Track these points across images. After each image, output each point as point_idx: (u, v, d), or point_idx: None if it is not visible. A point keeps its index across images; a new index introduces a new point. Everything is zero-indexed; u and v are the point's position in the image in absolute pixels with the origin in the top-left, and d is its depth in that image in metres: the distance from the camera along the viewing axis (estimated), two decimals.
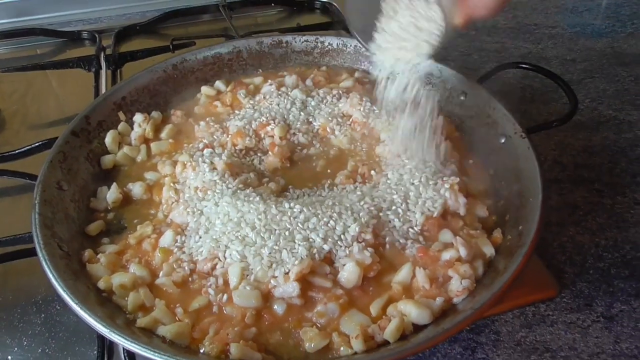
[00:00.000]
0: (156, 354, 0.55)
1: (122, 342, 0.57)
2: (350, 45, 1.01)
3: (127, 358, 0.67)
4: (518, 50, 1.23)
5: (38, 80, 1.19)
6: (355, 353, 0.60)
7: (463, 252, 0.67)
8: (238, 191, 0.75)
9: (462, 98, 0.89)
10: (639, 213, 0.85)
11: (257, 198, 0.73)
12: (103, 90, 1.12)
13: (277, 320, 0.64)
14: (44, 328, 0.73)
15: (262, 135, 0.87)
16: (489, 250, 0.69)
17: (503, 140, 0.81)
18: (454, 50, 1.24)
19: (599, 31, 1.28)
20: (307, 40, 1.02)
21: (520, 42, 1.25)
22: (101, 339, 0.70)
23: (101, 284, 0.67)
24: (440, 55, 1.20)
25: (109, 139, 0.86)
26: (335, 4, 1.39)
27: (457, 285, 0.64)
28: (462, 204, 0.73)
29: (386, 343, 0.60)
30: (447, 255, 0.67)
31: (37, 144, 0.89)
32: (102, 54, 1.20)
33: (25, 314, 0.74)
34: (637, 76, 1.13)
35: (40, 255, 0.65)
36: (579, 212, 0.86)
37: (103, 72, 1.17)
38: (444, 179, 0.75)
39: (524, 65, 0.92)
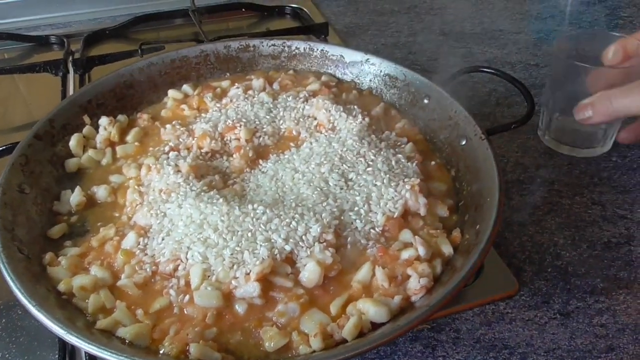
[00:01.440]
0: (113, 355, 0.55)
1: (80, 343, 0.56)
2: (317, 50, 1.02)
3: None
4: (484, 55, 1.26)
5: (4, 85, 1.18)
6: (314, 351, 0.60)
7: (422, 251, 0.68)
8: (202, 193, 0.75)
9: (425, 101, 0.91)
10: (595, 213, 0.87)
11: (221, 200, 0.73)
12: (71, 94, 1.12)
13: (238, 320, 0.64)
14: (4, 333, 0.72)
15: (228, 138, 0.87)
16: (447, 250, 0.70)
17: (464, 142, 0.82)
18: (421, 55, 1.26)
19: None
20: (274, 45, 1.03)
21: (486, 47, 1.28)
22: (62, 342, 0.70)
23: (61, 287, 0.67)
24: (409, 60, 1.24)
25: (74, 142, 0.86)
26: (305, 10, 1.40)
27: (415, 284, 0.65)
28: (423, 204, 0.74)
29: (345, 341, 0.61)
30: (406, 254, 0.68)
31: (1, 148, 0.89)
32: (70, 58, 1.20)
33: None
34: None
35: None
36: (539, 212, 0.87)
37: (71, 76, 1.16)
38: (405, 180, 0.76)
39: (485, 70, 0.94)
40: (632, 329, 0.72)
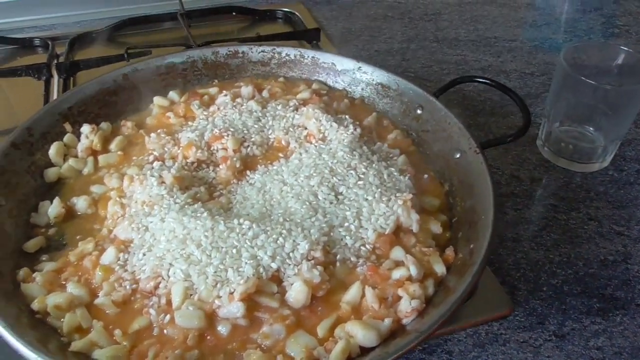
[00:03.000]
0: None
1: None
2: (308, 57, 0.99)
3: None
4: (478, 63, 1.23)
5: None
6: None
7: (414, 271, 0.65)
8: (186, 206, 0.72)
9: (418, 112, 0.89)
10: (592, 229, 0.85)
11: (205, 214, 0.70)
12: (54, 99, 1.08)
13: (221, 342, 0.62)
14: None
15: (215, 148, 0.85)
16: (440, 269, 0.67)
17: (458, 155, 0.80)
18: (415, 62, 1.24)
19: (557, 45, 1.29)
20: (264, 51, 1.00)
21: (480, 55, 1.26)
22: None
23: (35, 305, 0.63)
24: (402, 67, 1.22)
25: (53, 151, 0.83)
26: (297, 14, 1.38)
27: (407, 306, 0.62)
28: (415, 220, 0.72)
29: None
30: (397, 274, 0.66)
31: None
32: (53, 62, 1.16)
33: None
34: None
35: None
36: (534, 228, 0.85)
37: (54, 80, 1.13)
38: (397, 194, 0.73)
39: (479, 80, 0.91)
40: (629, 352, 0.70)
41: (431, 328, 0.56)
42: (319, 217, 0.72)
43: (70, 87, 1.12)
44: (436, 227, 0.74)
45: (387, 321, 0.61)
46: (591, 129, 0.94)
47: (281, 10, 1.39)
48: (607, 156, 0.95)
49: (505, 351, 0.70)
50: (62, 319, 0.63)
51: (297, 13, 1.38)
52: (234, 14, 1.37)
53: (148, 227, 0.71)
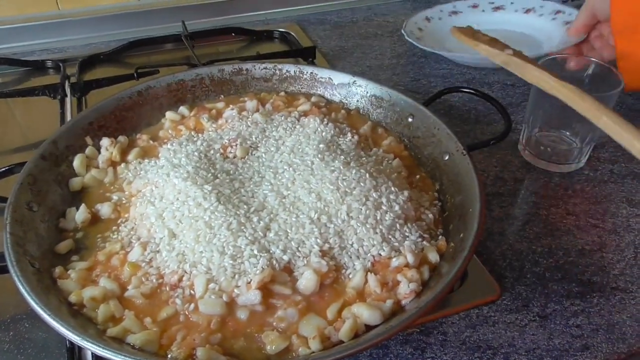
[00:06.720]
0: (127, 358, 0.59)
1: (95, 348, 0.60)
2: (307, 72, 1.08)
3: None
4: (463, 76, 1.33)
5: (1, 109, 1.22)
6: (313, 352, 0.65)
7: (410, 259, 0.73)
8: (202, 202, 0.79)
9: (410, 120, 0.97)
10: (570, 222, 0.93)
11: (223, 211, 0.77)
12: (69, 117, 1.16)
13: (241, 326, 0.69)
14: (12, 345, 0.75)
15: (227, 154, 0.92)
16: (434, 257, 0.75)
17: (447, 157, 0.88)
18: (405, 76, 1.33)
19: (537, 59, 1.38)
20: (266, 68, 1.09)
21: (465, 69, 1.35)
22: (70, 352, 0.73)
23: (72, 298, 0.70)
24: (393, 80, 1.30)
25: (77, 162, 0.90)
26: (293, 34, 1.46)
27: (405, 289, 0.70)
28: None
29: (341, 342, 0.66)
30: (396, 262, 0.73)
31: (4, 169, 0.91)
32: (67, 82, 1.24)
33: None
34: None
35: (12, 271, 0.68)
36: (518, 223, 0.93)
37: (68, 99, 1.20)
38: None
39: (464, 90, 1.00)
40: (605, 329, 0.77)
41: (429, 304, 0.63)
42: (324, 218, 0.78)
43: (84, 106, 1.20)
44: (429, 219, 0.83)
45: (389, 302, 0.69)
46: (567, 133, 1.03)
47: (278, 31, 1.48)
48: (583, 157, 1.04)
49: (495, 331, 0.77)
50: (96, 310, 0.70)
51: (292, 33, 1.47)
52: (233, 34, 1.46)
53: (169, 226, 0.78)
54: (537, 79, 0.82)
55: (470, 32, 0.91)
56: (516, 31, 1.45)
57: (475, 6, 1.52)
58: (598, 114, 0.72)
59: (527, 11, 1.48)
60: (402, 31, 1.38)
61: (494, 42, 0.89)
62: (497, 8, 1.51)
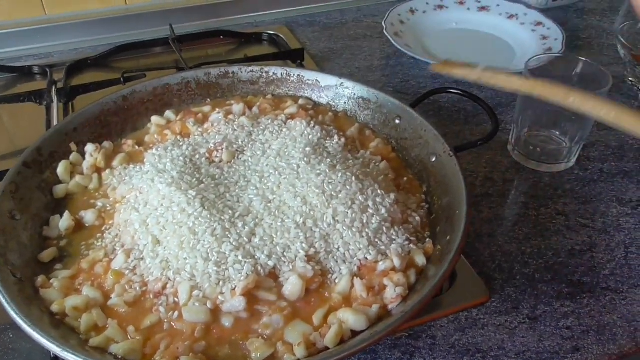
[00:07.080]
0: None
1: (75, 359, 0.59)
2: (294, 75, 1.07)
3: None
4: (452, 77, 1.31)
5: None
6: (298, 359, 0.64)
7: (397, 262, 0.72)
8: (186, 208, 0.78)
9: (397, 121, 0.96)
10: (559, 222, 0.93)
11: (207, 216, 0.76)
12: (55, 123, 1.14)
13: (226, 334, 0.68)
14: None
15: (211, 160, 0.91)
16: (421, 260, 0.75)
17: (434, 159, 0.87)
18: (394, 77, 1.32)
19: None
20: (252, 71, 1.08)
21: None
22: None
23: (54, 307, 0.69)
24: (382, 82, 1.30)
25: (61, 169, 0.89)
26: (282, 36, 1.46)
27: (392, 293, 0.69)
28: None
29: (327, 349, 0.65)
30: (382, 265, 0.73)
31: None
32: (53, 88, 1.23)
33: None
34: None
35: None
36: (507, 224, 0.93)
37: (55, 105, 1.19)
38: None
39: (452, 90, 0.99)
40: (596, 330, 0.77)
41: (414, 308, 0.63)
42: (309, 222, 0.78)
43: (70, 111, 1.19)
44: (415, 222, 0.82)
45: (375, 307, 0.68)
46: (557, 132, 1.03)
47: (266, 33, 1.47)
48: (572, 157, 1.03)
49: (484, 334, 0.76)
50: (79, 319, 0.69)
51: (281, 35, 1.46)
52: (221, 37, 1.44)
53: (153, 232, 0.77)
54: (510, 84, 0.82)
55: (446, 63, 0.93)
56: (495, 35, 1.45)
57: (461, 3, 1.52)
58: (567, 96, 0.73)
59: (511, 17, 1.47)
60: (383, 23, 1.38)
61: (466, 65, 0.90)
62: (483, 8, 1.51)
